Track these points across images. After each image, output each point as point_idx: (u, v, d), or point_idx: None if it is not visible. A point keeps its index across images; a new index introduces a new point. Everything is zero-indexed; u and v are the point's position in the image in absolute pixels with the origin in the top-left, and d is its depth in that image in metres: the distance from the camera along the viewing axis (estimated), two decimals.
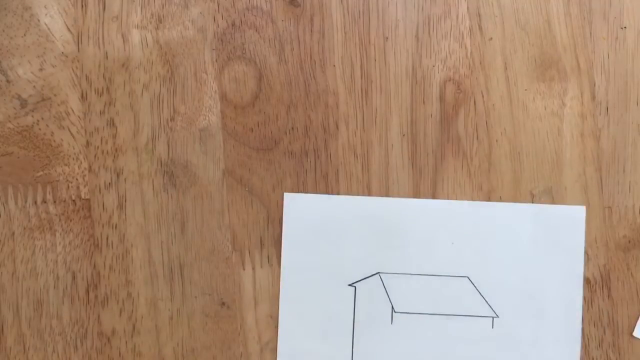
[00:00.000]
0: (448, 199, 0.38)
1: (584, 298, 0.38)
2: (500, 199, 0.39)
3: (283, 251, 0.38)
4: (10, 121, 0.37)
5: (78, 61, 0.37)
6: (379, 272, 0.38)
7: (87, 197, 0.37)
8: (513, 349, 0.38)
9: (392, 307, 0.37)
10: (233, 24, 0.38)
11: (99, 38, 0.37)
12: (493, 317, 0.38)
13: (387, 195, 0.38)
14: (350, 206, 0.38)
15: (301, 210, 0.38)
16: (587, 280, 0.38)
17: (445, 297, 0.38)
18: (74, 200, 0.37)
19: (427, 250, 0.38)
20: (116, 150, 0.37)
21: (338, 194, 0.38)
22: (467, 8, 0.39)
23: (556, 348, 0.38)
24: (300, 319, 0.37)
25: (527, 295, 0.38)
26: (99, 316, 0.37)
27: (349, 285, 0.38)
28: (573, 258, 0.38)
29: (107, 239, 0.37)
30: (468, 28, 0.39)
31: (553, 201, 0.39)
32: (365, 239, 0.38)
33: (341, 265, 0.38)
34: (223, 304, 0.37)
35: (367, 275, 0.38)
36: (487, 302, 0.38)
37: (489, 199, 0.39)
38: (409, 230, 0.38)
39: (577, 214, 0.38)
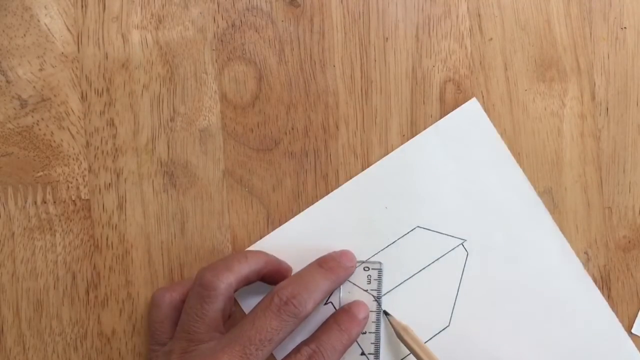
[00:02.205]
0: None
1: None
2: None
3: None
4: (10, 121, 0.37)
5: (78, 61, 0.37)
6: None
7: (87, 197, 0.37)
8: (486, 268, 0.38)
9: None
10: (233, 25, 0.38)
11: (99, 38, 0.37)
12: (463, 242, 0.38)
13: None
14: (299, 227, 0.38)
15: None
16: None
17: (411, 250, 0.37)
18: (73, 201, 0.37)
19: (366, 215, 0.37)
20: (116, 151, 0.37)
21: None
22: (467, 8, 0.39)
23: (533, 254, 0.38)
24: None
25: (488, 213, 0.38)
26: (99, 316, 0.37)
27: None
28: (495, 149, 0.38)
29: (107, 239, 0.37)
30: (468, 28, 0.39)
31: (553, 201, 0.39)
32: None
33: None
34: None
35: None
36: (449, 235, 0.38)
37: None
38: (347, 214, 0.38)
39: (472, 108, 0.38)
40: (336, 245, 0.37)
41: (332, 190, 0.38)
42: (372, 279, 0.37)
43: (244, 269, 0.34)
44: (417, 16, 0.39)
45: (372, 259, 0.37)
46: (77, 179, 0.37)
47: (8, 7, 0.37)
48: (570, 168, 0.39)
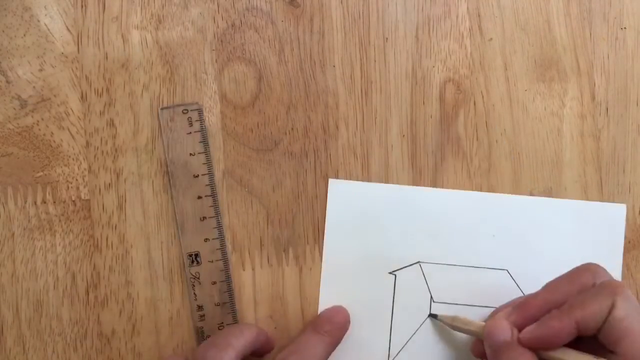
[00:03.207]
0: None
1: None
2: None
3: (326, 237, 0.38)
4: (10, 122, 0.37)
5: (78, 62, 0.37)
6: (419, 262, 0.38)
7: (87, 197, 0.37)
8: None
9: (431, 297, 0.37)
10: (233, 25, 0.38)
11: (98, 38, 0.37)
12: None
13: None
14: (394, 194, 0.38)
15: (344, 196, 0.38)
16: None
17: (484, 289, 0.38)
18: (73, 201, 0.37)
19: (468, 241, 0.38)
20: (116, 151, 0.37)
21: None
22: (467, 8, 0.39)
23: None
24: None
25: None
26: (98, 317, 0.37)
27: (390, 273, 0.38)
28: (612, 256, 0.38)
29: (107, 239, 0.37)
30: (468, 28, 0.39)
31: None
32: (407, 227, 0.38)
33: (382, 253, 0.38)
34: (223, 304, 0.37)
35: (407, 264, 0.38)
36: (525, 295, 0.37)
37: None
38: (450, 220, 0.38)
39: (617, 212, 0.38)
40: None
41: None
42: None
43: (241, 342, 0.34)
44: (417, 16, 0.39)
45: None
46: (77, 179, 0.37)
47: (8, 7, 0.37)
48: (570, 168, 0.39)
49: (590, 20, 0.39)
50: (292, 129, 0.38)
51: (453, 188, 0.39)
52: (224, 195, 0.38)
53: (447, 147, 0.39)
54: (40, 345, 0.36)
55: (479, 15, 0.39)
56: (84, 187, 0.37)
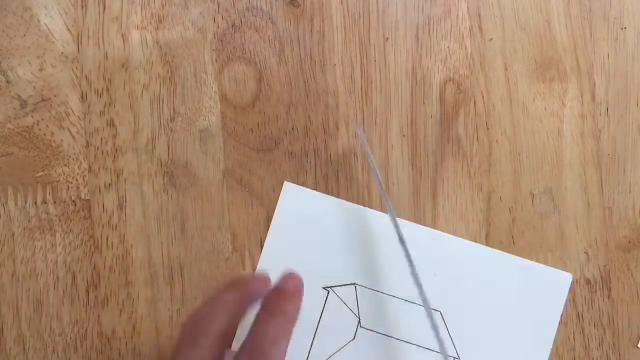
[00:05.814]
0: (448, 199, 0.38)
1: (584, 298, 0.38)
2: (500, 200, 0.39)
3: (268, 238, 0.37)
4: (10, 122, 0.37)
5: (78, 61, 0.37)
6: (355, 283, 0.37)
7: (87, 197, 0.37)
8: None
9: (359, 321, 0.37)
10: (233, 25, 0.38)
11: (99, 38, 0.37)
12: (455, 358, 0.37)
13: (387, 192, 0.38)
14: (344, 211, 0.38)
15: (296, 202, 0.37)
16: (587, 281, 0.39)
17: (413, 326, 0.37)
18: (74, 201, 0.37)
19: (409, 275, 0.35)
20: (116, 151, 0.37)
21: (338, 195, 0.38)
22: (467, 8, 0.39)
23: None
24: None
25: (495, 345, 0.37)
26: (99, 317, 0.37)
27: (323, 288, 0.37)
28: (547, 321, 0.38)
29: (107, 239, 0.37)
30: (468, 28, 0.39)
31: (553, 201, 0.39)
32: (351, 246, 0.37)
33: (321, 265, 0.37)
34: None
35: (343, 283, 0.37)
36: (452, 342, 0.37)
37: (489, 200, 0.39)
38: (395, 249, 0.36)
39: (563, 280, 0.38)
40: None
41: (332, 190, 0.38)
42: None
43: (214, 329, 0.30)
44: (417, 16, 0.39)
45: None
46: (77, 179, 0.37)
47: (8, 7, 0.37)
48: (570, 168, 0.39)
49: (590, 20, 0.39)
50: (292, 129, 0.38)
51: (453, 188, 0.39)
52: (224, 196, 0.38)
53: (447, 147, 0.39)
54: (41, 345, 0.36)
55: (479, 15, 0.39)
56: (84, 187, 0.37)
